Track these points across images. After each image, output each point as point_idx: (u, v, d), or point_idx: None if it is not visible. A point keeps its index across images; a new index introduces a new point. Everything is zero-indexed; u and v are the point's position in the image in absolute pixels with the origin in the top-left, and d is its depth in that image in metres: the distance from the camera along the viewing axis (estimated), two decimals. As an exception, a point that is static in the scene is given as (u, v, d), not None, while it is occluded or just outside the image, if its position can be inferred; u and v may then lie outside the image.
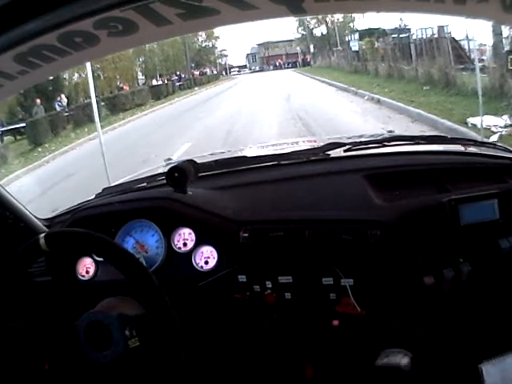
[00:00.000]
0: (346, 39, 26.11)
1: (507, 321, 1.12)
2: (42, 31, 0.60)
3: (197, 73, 31.28)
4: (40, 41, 0.63)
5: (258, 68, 40.48)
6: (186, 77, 28.51)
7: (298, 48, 35.48)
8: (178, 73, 28.30)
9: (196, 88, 25.27)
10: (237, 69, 41.20)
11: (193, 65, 32.48)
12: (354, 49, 20.15)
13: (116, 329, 0.82)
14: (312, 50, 33.39)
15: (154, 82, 25.60)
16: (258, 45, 40.78)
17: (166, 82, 25.36)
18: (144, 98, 18.29)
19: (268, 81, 22.40)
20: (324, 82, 16.02)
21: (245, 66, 42.11)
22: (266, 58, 39.93)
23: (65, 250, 1.11)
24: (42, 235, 0.88)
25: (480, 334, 1.15)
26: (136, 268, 0.87)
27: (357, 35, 21.91)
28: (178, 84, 25.17)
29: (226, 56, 40.23)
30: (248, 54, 42.03)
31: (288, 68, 35.66)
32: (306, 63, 33.19)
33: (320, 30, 34.22)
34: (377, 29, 20.76)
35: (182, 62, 30.45)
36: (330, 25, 32.50)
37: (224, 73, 38.39)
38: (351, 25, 31.01)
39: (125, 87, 21.20)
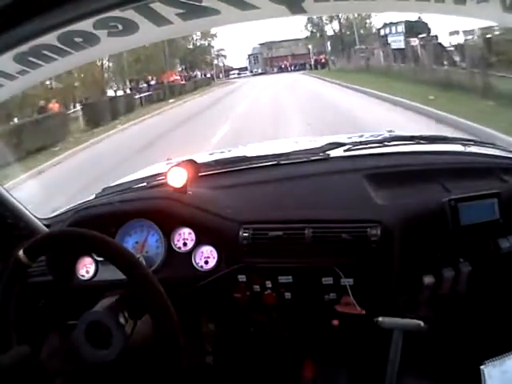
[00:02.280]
0: (381, 34, 20.17)
1: (507, 320, 1.12)
2: (42, 31, 0.61)
3: (177, 77, 23.91)
4: (40, 41, 0.63)
5: (260, 70, 35.44)
6: (163, 83, 21.42)
7: (310, 47, 30.29)
8: (150, 78, 21.24)
9: (171, 100, 17.35)
10: (236, 71, 36.36)
11: (182, 67, 28.02)
12: (396, 46, 14.31)
13: (117, 332, 0.82)
14: (329, 48, 28.41)
15: (119, 93, 18.14)
16: (261, 44, 36.01)
17: (128, 92, 18.39)
18: (56, 134, 9.69)
19: (276, 89, 15.62)
20: (394, 103, 8.28)
21: (245, 68, 37.00)
22: (270, 60, 35.33)
23: (67, 250, 1.11)
24: (21, 252, 0.87)
25: (480, 333, 1.15)
26: (136, 267, 0.87)
27: (400, 27, 15.70)
28: (142, 96, 17.23)
29: (223, 56, 35.41)
30: (249, 55, 36.94)
31: (295, 71, 30.68)
32: (319, 65, 27.59)
33: (331, 27, 29.19)
34: (415, 21, 14.89)
35: (160, 64, 22.95)
36: (343, 21, 27.97)
37: (221, 76, 33.98)
38: (368, 21, 27.27)
39: (52, 106, 12.30)
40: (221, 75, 35.01)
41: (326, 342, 1.15)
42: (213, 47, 33.08)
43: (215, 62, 35.06)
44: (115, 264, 0.88)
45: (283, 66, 33.77)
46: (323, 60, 28.16)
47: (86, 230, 0.91)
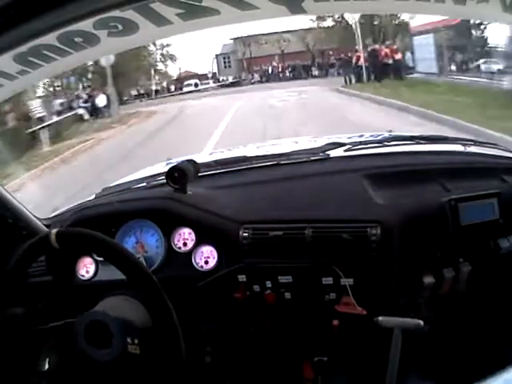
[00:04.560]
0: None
1: (507, 320, 1.12)
2: (42, 31, 0.61)
3: None
4: (40, 41, 0.64)
5: (230, 79, 21.73)
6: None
7: (359, 32, 14.06)
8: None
9: None
10: (193, 82, 21.27)
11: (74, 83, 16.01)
12: None
13: (118, 333, 0.82)
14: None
15: None
16: (234, 39, 22.34)
17: None
18: None
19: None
20: None
21: (205, 77, 22.26)
22: (248, 61, 21.88)
23: (71, 249, 1.11)
24: (54, 231, 0.87)
25: (480, 333, 1.15)
26: (137, 268, 0.87)
27: None
28: None
29: (170, 58, 21.52)
30: (218, 56, 23.31)
31: (293, 79, 18.40)
32: (381, 69, 12.01)
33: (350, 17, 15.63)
34: None
35: None
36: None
37: (172, 88, 20.94)
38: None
39: None
40: (172, 87, 21.66)
41: (326, 342, 1.15)
42: (154, 45, 20.10)
43: (158, 67, 21.01)
44: (115, 264, 0.88)
45: (271, 72, 20.42)
46: (393, 57, 12.03)
47: (86, 229, 0.91)
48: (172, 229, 1.14)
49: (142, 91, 21.04)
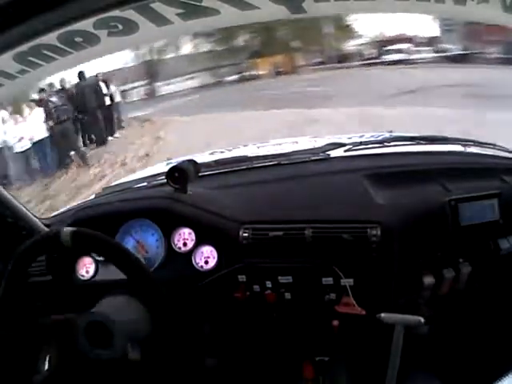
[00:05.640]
0: None
1: (507, 321, 1.12)
2: (42, 31, 0.61)
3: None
4: (40, 40, 0.64)
5: (454, 50, 13.43)
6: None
7: None
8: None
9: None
10: (400, 47, 14.79)
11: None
12: None
13: (118, 334, 0.82)
14: None
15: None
16: None
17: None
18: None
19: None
20: None
21: (423, 43, 15.04)
22: (474, 28, 12.16)
23: (72, 249, 1.11)
24: (68, 230, 0.86)
25: (480, 333, 1.15)
26: (136, 267, 0.87)
27: None
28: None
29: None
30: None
31: None
32: None
33: None
34: None
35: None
36: None
37: (367, 54, 14.54)
38: None
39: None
40: (371, 52, 15.47)
41: (326, 342, 1.15)
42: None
43: (346, 22, 14.72)
44: (115, 264, 0.88)
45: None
46: None
47: (86, 229, 0.91)
48: (172, 229, 1.14)
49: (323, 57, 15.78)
